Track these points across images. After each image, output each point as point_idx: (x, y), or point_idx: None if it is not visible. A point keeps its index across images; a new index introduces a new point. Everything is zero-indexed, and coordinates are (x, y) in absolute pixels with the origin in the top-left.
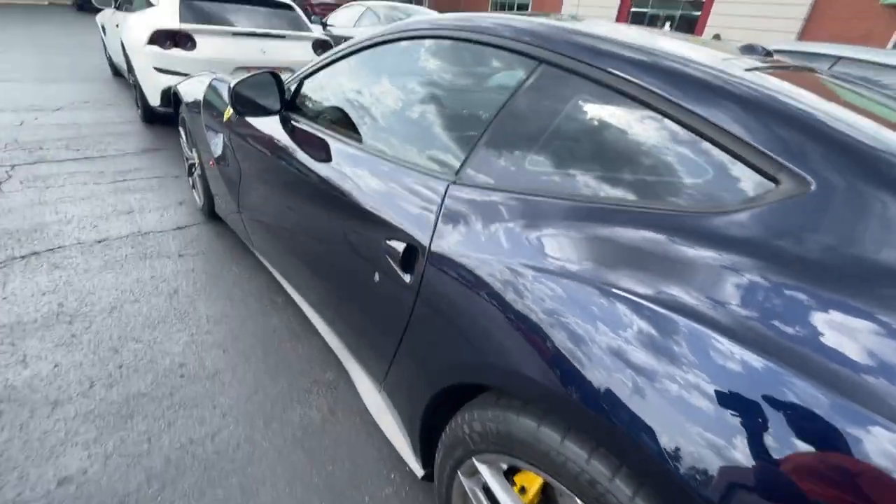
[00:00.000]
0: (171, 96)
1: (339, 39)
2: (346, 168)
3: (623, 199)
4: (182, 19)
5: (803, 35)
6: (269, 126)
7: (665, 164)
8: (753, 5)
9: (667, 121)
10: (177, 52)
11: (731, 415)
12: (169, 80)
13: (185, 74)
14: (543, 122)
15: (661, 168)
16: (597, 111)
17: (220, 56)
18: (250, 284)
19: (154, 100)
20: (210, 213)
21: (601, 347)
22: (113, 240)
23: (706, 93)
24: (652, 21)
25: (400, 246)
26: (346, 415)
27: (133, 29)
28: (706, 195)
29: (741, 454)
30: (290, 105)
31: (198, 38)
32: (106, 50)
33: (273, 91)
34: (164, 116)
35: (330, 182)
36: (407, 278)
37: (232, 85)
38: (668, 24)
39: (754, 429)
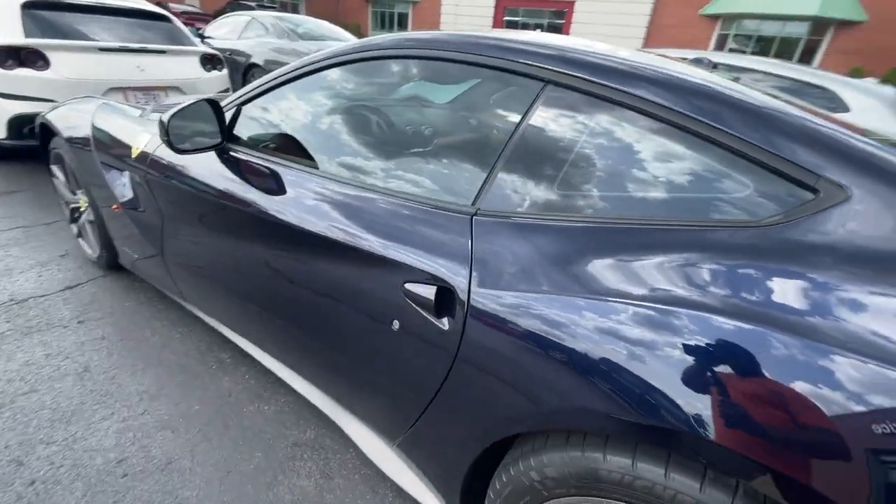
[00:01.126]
0: (29, 128)
1: (225, 53)
2: (333, 206)
3: (674, 217)
4: (28, 33)
5: (647, 41)
6: (206, 161)
7: (702, 179)
8: (606, 14)
9: (697, 139)
10: (24, 72)
11: (846, 434)
12: (17, 107)
13: (40, 99)
14: (565, 143)
15: (700, 184)
16: (622, 131)
17: (85, 76)
18: (184, 344)
19: None
20: (110, 264)
21: (696, 370)
22: None
23: (731, 110)
24: (524, 28)
25: (429, 290)
26: (343, 476)
27: None
28: (746, 209)
29: (870, 474)
30: (231, 136)
31: (51, 56)
32: None
33: (211, 120)
34: (12, 151)
35: (310, 223)
36: (444, 325)
37: (166, 118)
38: (538, 30)
39: (878, 451)
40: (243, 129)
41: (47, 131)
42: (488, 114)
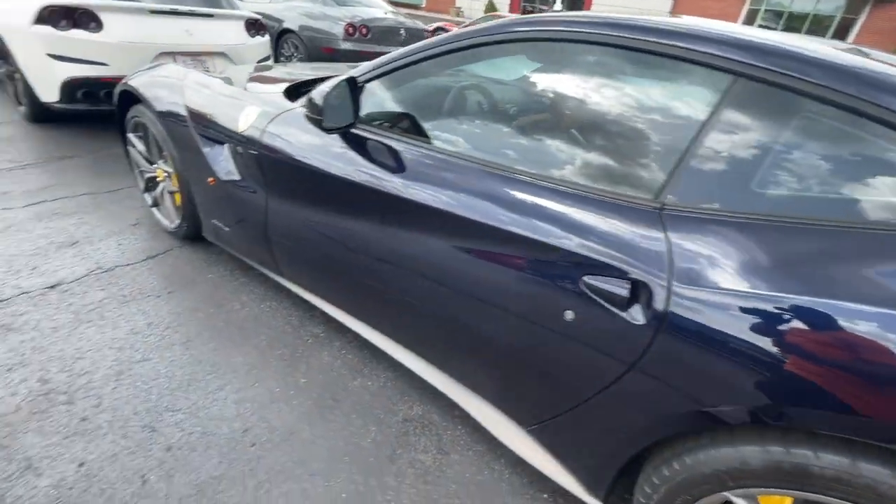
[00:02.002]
0: (82, 91)
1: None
2: (487, 192)
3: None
4: None
5: (672, 13)
6: (330, 140)
7: None
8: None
9: None
10: (78, 34)
11: None
12: (71, 70)
13: (92, 62)
14: (763, 139)
15: None
16: (833, 130)
17: (137, 39)
18: (276, 318)
19: (49, 95)
20: (189, 235)
21: None
22: (70, 283)
23: None
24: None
25: (621, 285)
26: (458, 451)
27: (8, 3)
28: None
29: None
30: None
31: (104, 17)
32: None
33: (345, 98)
34: (62, 115)
35: (459, 209)
36: (637, 320)
37: (320, 98)
38: (558, 2)
39: None
40: (369, 108)
41: (127, 98)
42: (668, 104)
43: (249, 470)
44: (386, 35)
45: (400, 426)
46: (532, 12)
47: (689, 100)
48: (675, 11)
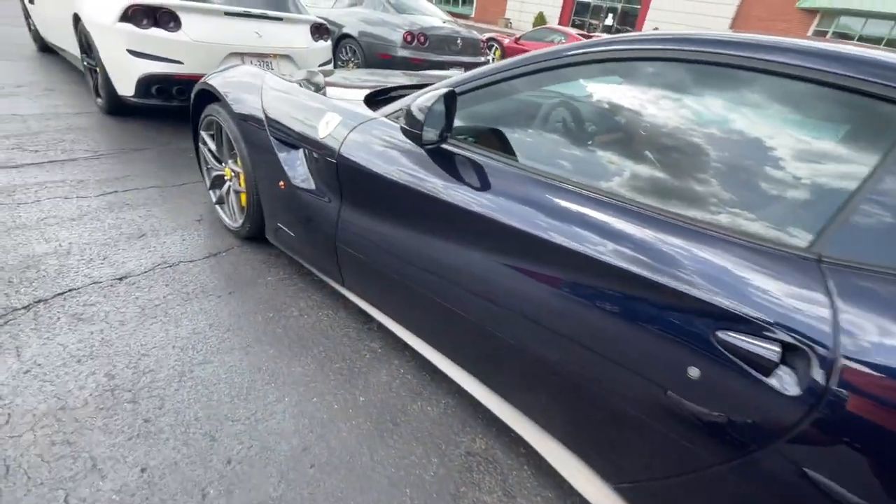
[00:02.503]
0: (156, 87)
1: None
2: (602, 227)
3: None
4: None
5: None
6: (417, 154)
7: None
8: (687, 2)
9: None
10: (157, 32)
11: None
12: (147, 66)
13: (168, 60)
14: None
15: None
16: None
17: (210, 39)
18: (333, 329)
19: (126, 89)
20: (251, 235)
21: None
22: (137, 276)
23: None
24: (595, 12)
25: (768, 348)
26: (525, 496)
27: (96, 1)
28: None
29: None
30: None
31: (183, 17)
32: (29, 21)
33: (439, 112)
34: (135, 108)
35: (563, 240)
36: (789, 390)
37: (420, 110)
38: (610, 16)
39: None
40: (457, 121)
41: (204, 97)
42: (824, 136)
43: (309, 494)
44: (442, 43)
45: (462, 460)
46: (582, 25)
47: (853, 134)
48: (733, 28)
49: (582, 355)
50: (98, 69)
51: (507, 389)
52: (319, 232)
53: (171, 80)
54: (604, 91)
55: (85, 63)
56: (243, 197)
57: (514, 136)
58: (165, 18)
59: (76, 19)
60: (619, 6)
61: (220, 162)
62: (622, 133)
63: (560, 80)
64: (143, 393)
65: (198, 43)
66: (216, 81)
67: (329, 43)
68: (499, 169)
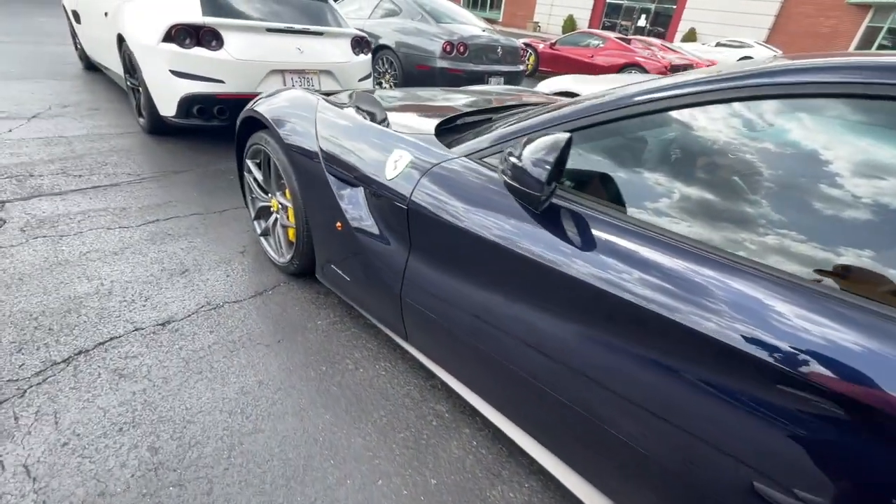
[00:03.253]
0: (198, 107)
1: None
2: (745, 304)
3: None
4: (205, 11)
5: (774, 29)
6: (510, 206)
7: None
8: (726, 0)
9: None
10: (200, 51)
11: None
12: (189, 86)
13: (210, 79)
14: None
15: None
16: None
17: (253, 57)
18: (393, 385)
19: (168, 109)
20: (300, 272)
21: None
22: (181, 321)
23: None
24: (627, 13)
25: None
26: None
27: (139, 21)
28: None
29: None
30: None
31: (225, 35)
32: (76, 40)
33: (551, 157)
34: (175, 128)
35: (691, 321)
36: None
37: (531, 162)
38: (643, 17)
39: None
40: (583, 176)
41: (251, 124)
42: None
43: None
44: (482, 53)
45: None
46: (613, 27)
47: None
48: (777, 33)
49: (708, 454)
50: (141, 89)
51: (602, 480)
52: (381, 281)
53: (212, 99)
54: (771, 133)
55: (128, 83)
56: (291, 231)
57: (633, 184)
58: (208, 37)
59: (120, 39)
60: (653, 7)
61: (266, 193)
62: (791, 189)
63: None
64: (190, 473)
65: (239, 61)
66: (264, 109)
67: (369, 56)
68: (613, 225)
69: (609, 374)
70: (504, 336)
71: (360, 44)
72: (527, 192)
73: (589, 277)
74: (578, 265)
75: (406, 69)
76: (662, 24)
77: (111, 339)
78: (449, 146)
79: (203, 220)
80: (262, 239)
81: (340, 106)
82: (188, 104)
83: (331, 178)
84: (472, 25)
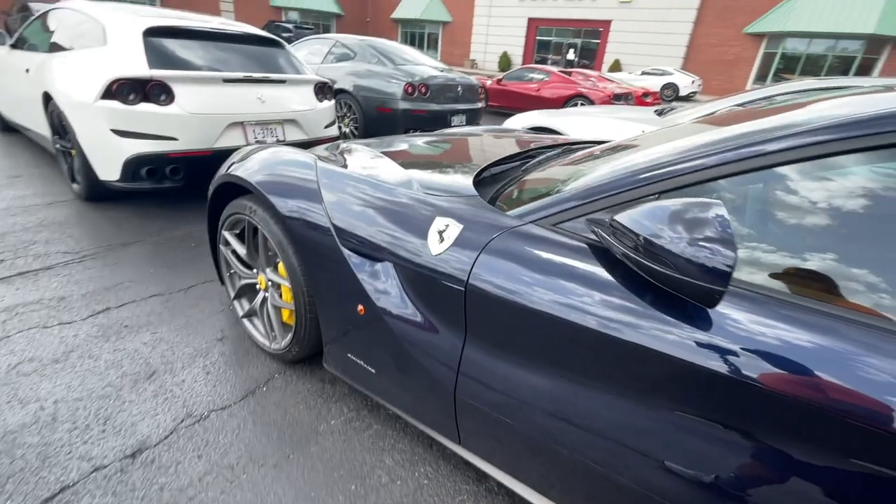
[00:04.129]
0: (147, 169)
1: None
2: None
3: None
4: (152, 63)
5: (687, 58)
6: (611, 286)
7: None
8: (643, 34)
9: None
10: (147, 107)
11: None
12: (136, 146)
13: (160, 137)
14: None
15: None
16: None
17: (208, 110)
18: (445, 500)
19: (110, 172)
20: (297, 359)
21: None
22: (156, 446)
23: None
24: (557, 48)
25: None
26: None
27: (70, 77)
28: None
29: None
30: None
31: (176, 88)
32: None
33: (720, 235)
34: (118, 193)
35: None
36: None
37: (676, 239)
38: (571, 51)
39: None
40: None
41: (227, 189)
42: None
43: None
44: (443, 92)
45: None
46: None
47: None
48: (690, 61)
49: None
50: (74, 151)
51: None
52: (426, 377)
53: (163, 159)
54: None
55: (57, 145)
56: (287, 313)
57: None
58: (156, 91)
59: (46, 98)
60: (579, 41)
61: (250, 268)
62: None
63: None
64: None
65: (193, 115)
66: (246, 173)
67: (333, 102)
68: (744, 302)
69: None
70: (601, 439)
71: (323, 90)
72: (693, 284)
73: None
74: (747, 368)
75: (366, 112)
76: (589, 57)
77: (62, 489)
78: (495, 204)
79: (166, 303)
80: (245, 322)
81: (344, 165)
82: (135, 166)
83: (348, 254)
84: (425, 66)
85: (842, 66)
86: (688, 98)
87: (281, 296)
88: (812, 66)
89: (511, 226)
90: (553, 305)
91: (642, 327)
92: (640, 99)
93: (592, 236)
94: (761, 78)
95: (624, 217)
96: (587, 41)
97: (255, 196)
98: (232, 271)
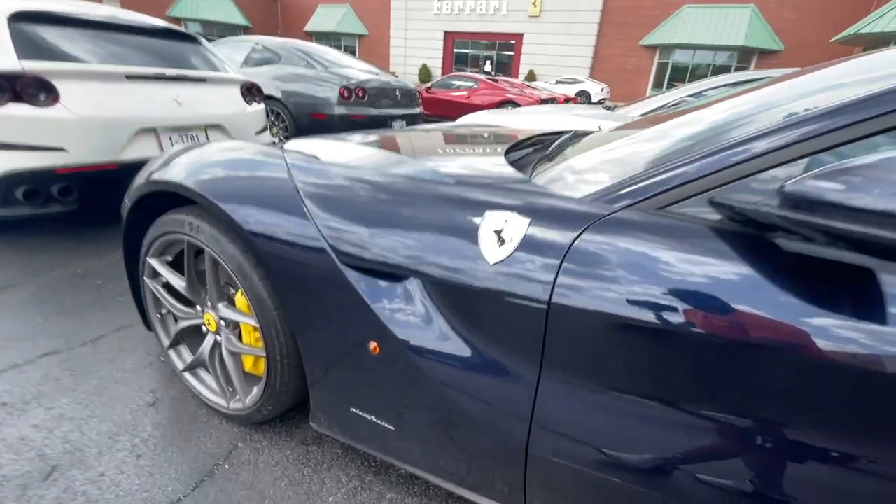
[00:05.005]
0: (24, 190)
1: None
2: None
3: None
4: (22, 53)
5: (594, 68)
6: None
7: None
8: (553, 46)
9: None
10: (19, 109)
11: None
12: (6, 160)
13: (42, 148)
14: None
15: None
16: None
17: (108, 113)
18: None
19: None
20: (270, 419)
21: None
22: None
23: None
24: (474, 60)
25: None
26: None
27: None
28: None
29: None
30: None
31: (61, 86)
32: None
33: None
34: None
35: None
36: None
37: None
38: (488, 63)
39: None
40: None
41: (154, 201)
42: None
43: None
44: (380, 96)
45: None
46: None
47: None
48: (596, 70)
49: None
50: None
51: None
52: (479, 430)
53: (48, 175)
54: None
55: None
56: (250, 361)
57: None
58: (33, 89)
59: None
60: (494, 54)
61: (192, 305)
62: None
63: None
64: None
65: (88, 119)
66: (183, 175)
67: (263, 106)
68: None
69: None
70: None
71: (251, 91)
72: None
73: None
74: None
75: (297, 120)
76: (505, 69)
77: None
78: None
79: (65, 364)
80: (188, 377)
81: (330, 159)
82: (7, 187)
83: (353, 276)
84: (359, 69)
85: (721, 74)
86: (600, 103)
87: (241, 338)
88: (697, 75)
89: (600, 214)
90: (693, 316)
91: (847, 336)
92: (562, 103)
93: (716, 217)
94: (658, 85)
95: (824, 183)
96: (502, 53)
97: (200, 207)
98: (164, 311)
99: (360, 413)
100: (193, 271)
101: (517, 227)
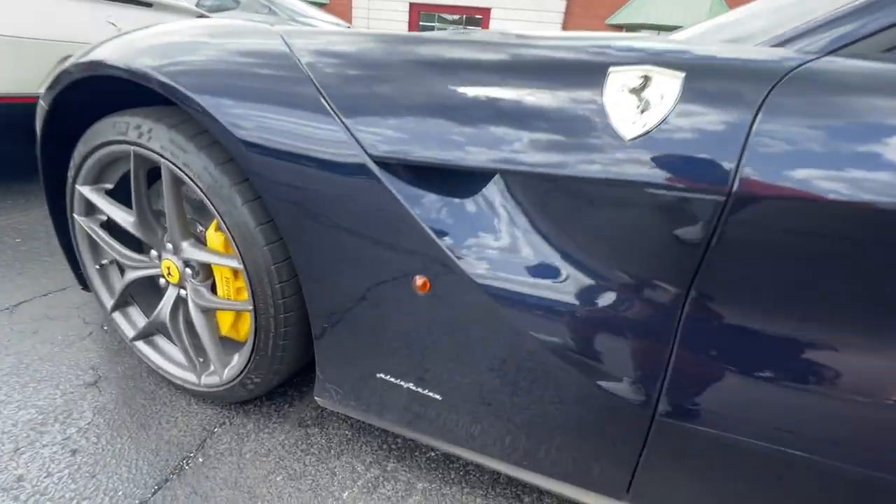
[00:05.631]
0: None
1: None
2: None
3: None
4: None
5: None
6: None
7: None
8: (520, 22)
9: None
10: None
11: None
12: None
13: None
14: None
15: None
16: None
17: (27, 33)
18: None
19: None
20: (255, 396)
21: None
22: None
23: None
24: (442, 22)
25: None
26: None
27: None
28: None
29: None
30: None
31: None
32: None
33: None
34: None
35: None
36: None
37: None
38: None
39: None
40: None
41: (77, 104)
42: None
43: None
44: None
45: None
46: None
47: None
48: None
49: None
50: None
51: None
52: (570, 391)
53: None
54: None
55: None
56: (227, 320)
57: None
58: None
59: None
60: (462, 28)
61: (144, 251)
62: None
63: None
64: None
65: (3, 41)
66: (133, 54)
67: None
68: None
69: None
70: None
71: None
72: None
73: None
74: None
75: None
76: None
77: None
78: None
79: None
80: (141, 346)
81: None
82: None
83: (394, 183)
84: (325, 22)
85: None
86: None
87: (215, 289)
88: None
89: (791, 64)
90: None
91: None
92: None
93: None
94: None
95: None
96: (469, 28)
97: (156, 107)
98: (105, 261)
99: (392, 380)
100: (145, 198)
101: (667, 83)
